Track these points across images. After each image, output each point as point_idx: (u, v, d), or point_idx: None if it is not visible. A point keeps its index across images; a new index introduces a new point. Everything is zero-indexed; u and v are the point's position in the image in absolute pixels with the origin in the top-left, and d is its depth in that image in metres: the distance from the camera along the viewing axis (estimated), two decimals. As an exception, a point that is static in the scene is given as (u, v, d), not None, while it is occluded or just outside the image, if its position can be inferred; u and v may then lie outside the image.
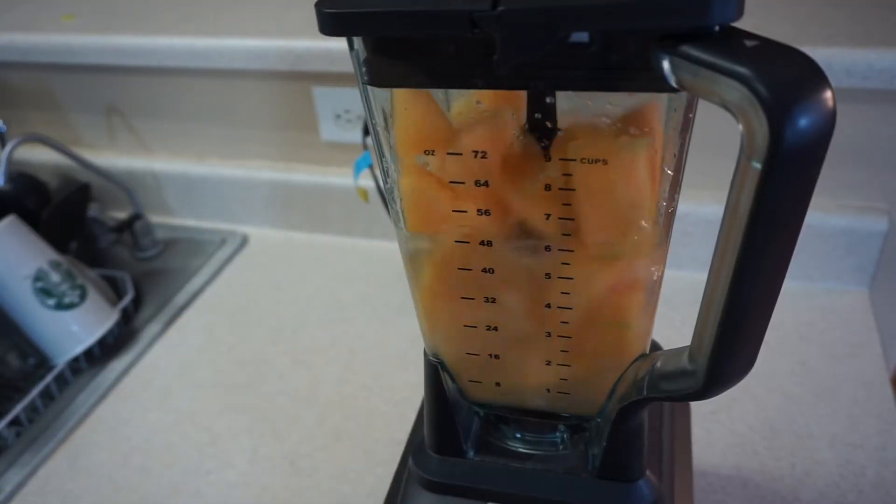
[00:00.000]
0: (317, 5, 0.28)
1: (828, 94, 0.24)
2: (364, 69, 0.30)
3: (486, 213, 0.33)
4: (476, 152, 0.31)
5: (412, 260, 0.37)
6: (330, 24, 0.28)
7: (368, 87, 0.31)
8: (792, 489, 0.58)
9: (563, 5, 0.25)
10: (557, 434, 0.42)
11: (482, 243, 0.34)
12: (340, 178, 0.92)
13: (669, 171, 0.31)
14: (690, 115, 0.30)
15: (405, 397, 0.71)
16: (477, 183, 0.32)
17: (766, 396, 0.65)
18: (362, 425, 0.68)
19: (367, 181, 0.86)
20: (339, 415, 0.70)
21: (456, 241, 0.34)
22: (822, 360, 0.69)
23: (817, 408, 0.65)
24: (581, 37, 0.28)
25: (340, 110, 0.87)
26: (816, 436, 0.62)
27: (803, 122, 0.23)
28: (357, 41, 0.30)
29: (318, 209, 0.95)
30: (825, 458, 0.60)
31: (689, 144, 0.31)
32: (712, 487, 0.59)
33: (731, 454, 0.61)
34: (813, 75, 0.24)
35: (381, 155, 0.34)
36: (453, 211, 0.33)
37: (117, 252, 0.98)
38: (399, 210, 0.35)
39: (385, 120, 0.32)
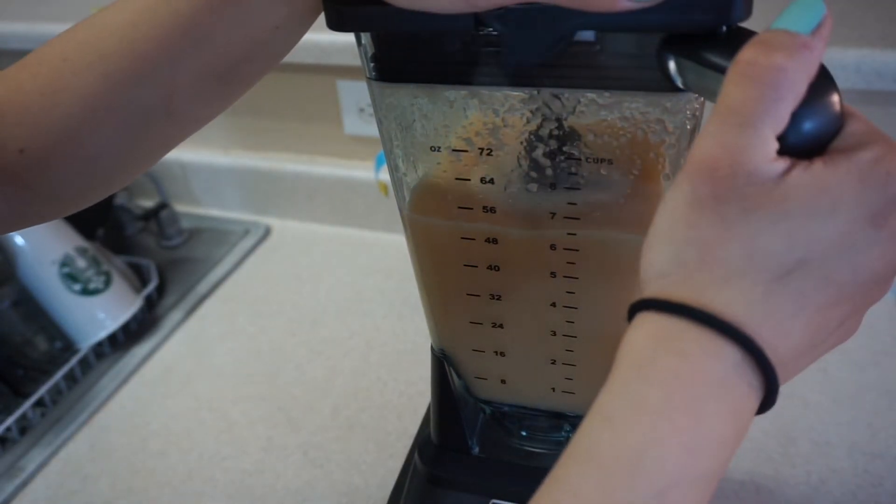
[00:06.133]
0: (325, 0, 0.29)
1: (834, 98, 0.23)
2: (371, 65, 0.31)
3: (492, 210, 0.33)
4: (482, 149, 0.31)
5: (419, 256, 0.37)
6: (337, 19, 0.28)
7: (375, 83, 0.31)
8: (807, 497, 0.57)
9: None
10: (563, 433, 0.42)
11: (487, 240, 0.34)
12: (363, 171, 0.92)
13: (677, 173, 0.31)
14: (698, 115, 0.30)
15: (419, 391, 0.71)
16: (482, 180, 0.32)
17: (783, 402, 0.64)
18: (376, 418, 0.69)
19: (388, 176, 0.87)
20: (354, 407, 0.70)
21: (461, 238, 0.35)
22: (844, 368, 0.68)
23: (837, 416, 0.64)
24: (587, 35, 0.27)
25: (364, 104, 0.88)
26: (835, 444, 0.61)
27: (807, 125, 0.23)
28: (365, 37, 0.30)
29: (340, 202, 0.95)
30: (843, 467, 0.59)
31: (696, 145, 0.31)
32: (724, 493, 0.58)
33: (745, 459, 0.61)
34: (819, 77, 0.23)
35: (390, 150, 0.34)
36: (458, 207, 0.33)
37: (143, 240, 1.00)
38: (406, 204, 0.35)
39: (392, 115, 0.32)
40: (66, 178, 0.33)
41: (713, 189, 0.23)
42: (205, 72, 0.32)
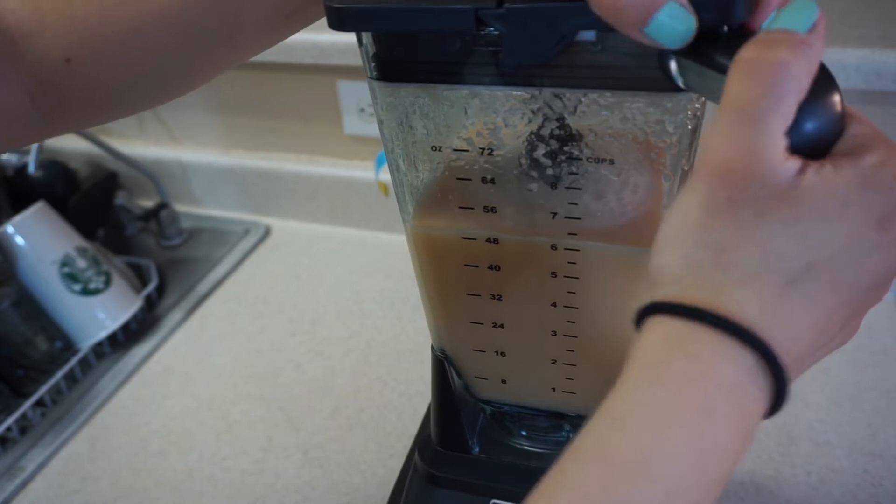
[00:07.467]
0: (326, 0, 0.29)
1: (835, 98, 0.23)
2: (372, 64, 0.31)
3: (493, 209, 0.33)
4: (483, 149, 0.31)
5: (419, 255, 0.37)
6: (337, 19, 0.28)
7: (376, 82, 0.31)
8: (807, 497, 0.58)
9: (570, 4, 0.25)
10: (563, 433, 0.42)
11: (488, 240, 0.34)
12: (363, 171, 0.92)
13: (678, 173, 0.31)
14: (699, 116, 0.30)
15: (419, 391, 0.71)
16: (483, 180, 0.32)
17: (783, 402, 0.64)
18: (376, 418, 0.69)
19: (388, 176, 0.87)
20: (354, 406, 0.70)
21: (462, 238, 0.35)
22: (845, 368, 0.68)
23: (837, 416, 0.64)
24: (588, 36, 0.27)
25: (364, 104, 0.88)
26: (834, 444, 0.61)
27: (809, 124, 0.23)
28: (366, 36, 0.30)
29: (340, 202, 0.95)
30: (842, 467, 0.59)
31: (697, 145, 0.31)
32: (724, 492, 0.58)
33: (746, 459, 0.61)
34: (820, 77, 0.23)
35: (391, 150, 0.34)
36: (459, 207, 0.33)
37: (143, 240, 1.00)
38: (407, 204, 0.35)
39: (393, 115, 0.32)
40: (110, 91, 0.31)
41: (728, 192, 0.23)
42: (274, 5, 0.31)
